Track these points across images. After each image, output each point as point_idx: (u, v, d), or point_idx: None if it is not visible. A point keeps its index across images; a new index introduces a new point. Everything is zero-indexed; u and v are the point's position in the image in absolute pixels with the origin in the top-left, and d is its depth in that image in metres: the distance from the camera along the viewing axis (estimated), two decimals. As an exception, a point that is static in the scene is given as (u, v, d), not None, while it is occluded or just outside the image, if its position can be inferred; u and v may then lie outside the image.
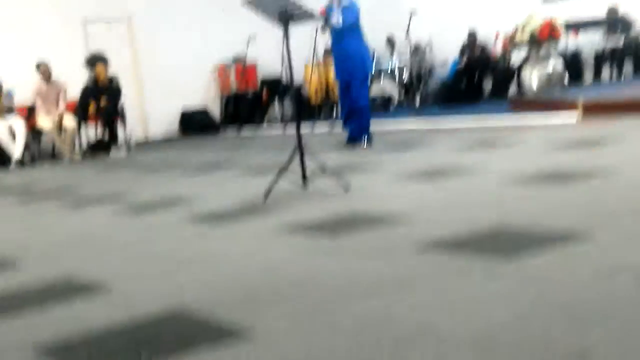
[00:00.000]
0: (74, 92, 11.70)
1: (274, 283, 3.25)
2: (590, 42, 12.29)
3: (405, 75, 13.79)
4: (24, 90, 11.43)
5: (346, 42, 8.12)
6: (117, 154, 11.26)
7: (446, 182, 5.39)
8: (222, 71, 14.13)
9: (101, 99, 11.55)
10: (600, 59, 12.32)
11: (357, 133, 8.32)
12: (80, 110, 11.66)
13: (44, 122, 11.22)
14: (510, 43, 10.78)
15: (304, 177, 5.60)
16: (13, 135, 10.88)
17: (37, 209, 6.54)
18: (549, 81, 10.72)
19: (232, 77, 13.98)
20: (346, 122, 8.59)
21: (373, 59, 13.80)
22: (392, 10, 15.18)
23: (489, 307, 2.57)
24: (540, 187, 4.74)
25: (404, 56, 13.54)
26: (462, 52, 14.10)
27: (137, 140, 12.39)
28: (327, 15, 8.10)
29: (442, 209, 4.46)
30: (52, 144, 11.57)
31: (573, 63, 12.11)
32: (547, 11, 11.25)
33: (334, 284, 3.10)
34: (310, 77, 13.11)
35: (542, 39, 10.49)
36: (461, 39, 14.19)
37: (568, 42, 12.01)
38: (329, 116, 12.79)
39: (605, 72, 12.38)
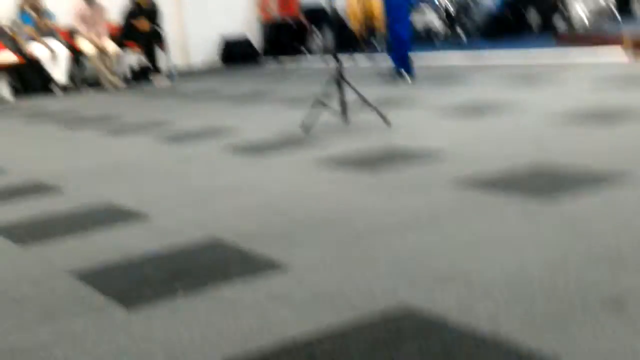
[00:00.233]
0: (114, 14, 11.64)
1: (310, 216, 3.27)
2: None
3: (451, 7, 13.48)
4: (66, 13, 11.38)
5: None
6: (159, 82, 11.28)
7: (487, 119, 5.32)
8: (264, -2, 13.95)
9: (141, 22, 11.48)
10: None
11: (399, 66, 8.19)
12: (123, 35, 11.62)
13: (86, 46, 11.23)
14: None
15: (344, 110, 5.57)
16: (55, 58, 10.90)
17: (79, 135, 6.62)
18: (598, 14, 10.40)
19: (273, 5, 13.79)
20: (390, 54, 8.46)
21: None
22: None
23: (522, 249, 2.56)
24: (584, 127, 4.65)
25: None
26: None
27: (178, 67, 12.37)
28: None
29: (482, 146, 4.41)
30: (94, 70, 11.61)
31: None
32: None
33: (371, 218, 3.11)
34: (354, 5, 12.87)
35: (593, -29, 10.15)
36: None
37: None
38: (371, 48, 12.62)
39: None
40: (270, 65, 12.57)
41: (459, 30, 12.06)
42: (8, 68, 10.95)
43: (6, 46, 10.94)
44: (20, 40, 11.04)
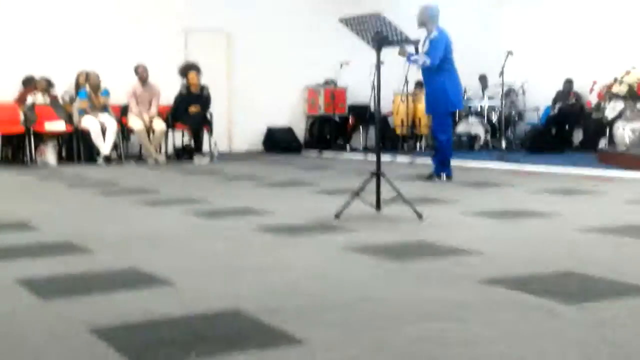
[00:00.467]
0: (168, 97, 12.01)
1: (331, 297, 3.26)
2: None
3: (494, 116, 13.63)
4: (120, 90, 11.78)
5: (432, 75, 8.05)
6: (200, 161, 11.48)
7: (520, 222, 5.30)
8: (312, 93, 14.26)
9: (192, 106, 11.81)
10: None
11: (439, 169, 8.25)
12: (172, 116, 11.95)
13: (135, 122, 11.54)
14: (607, 94, 10.52)
15: (378, 201, 5.61)
16: (104, 132, 11.20)
17: (116, 202, 6.73)
18: (641, 137, 10.41)
19: (321, 100, 14.09)
20: (431, 157, 8.55)
21: (464, 96, 13.74)
22: (489, 49, 15.09)
23: (545, 349, 2.51)
24: (618, 240, 4.61)
25: (495, 96, 13.39)
26: (555, 99, 13.89)
27: (221, 151, 12.60)
28: (408, 56, 7.98)
29: (512, 248, 4.39)
30: (139, 145, 11.88)
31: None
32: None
33: (391, 305, 3.09)
34: (398, 107, 13.08)
35: (639, 94, 10.21)
36: (555, 85, 13.97)
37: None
38: (412, 149, 12.75)
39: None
40: (312, 157, 12.73)
41: (501, 139, 12.14)
42: (56, 135, 11.28)
43: (59, 116, 11.30)
44: (74, 112, 11.41)
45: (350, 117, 14.09)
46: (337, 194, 6.72)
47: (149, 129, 11.55)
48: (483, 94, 14.32)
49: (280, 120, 14.13)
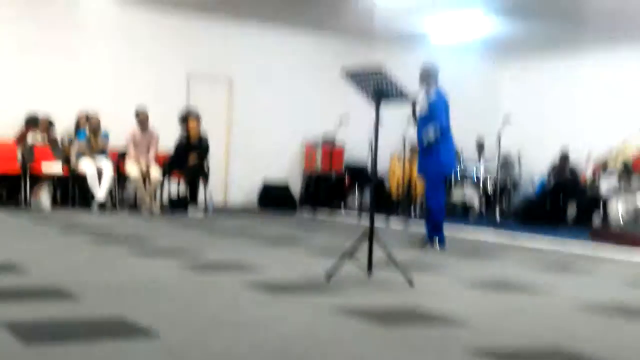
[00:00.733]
0: (167, 144, 12.05)
1: (317, 358, 3.22)
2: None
3: (489, 186, 13.69)
4: (119, 135, 11.82)
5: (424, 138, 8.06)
6: (195, 214, 11.46)
7: (511, 296, 5.29)
8: (310, 149, 14.33)
9: (190, 156, 11.84)
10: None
11: (431, 234, 8.22)
12: (169, 164, 11.97)
13: (132, 169, 11.55)
14: (601, 169, 10.60)
15: (370, 265, 5.58)
16: (100, 176, 11.20)
17: (107, 250, 6.69)
18: (636, 215, 10.45)
19: (319, 157, 14.15)
20: (425, 221, 8.53)
21: (459, 162, 13.82)
22: (487, 112, 15.26)
23: None
24: (609, 319, 4.59)
25: (491, 164, 13.47)
26: (551, 172, 13.97)
27: (216, 203, 12.59)
28: (414, 108, 8.07)
29: (502, 320, 4.37)
30: (134, 193, 11.88)
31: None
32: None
33: (377, 372, 3.05)
34: (395, 169, 13.14)
35: (634, 170, 10.28)
36: (551, 155, 14.08)
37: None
38: (406, 213, 12.76)
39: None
40: (306, 214, 12.72)
41: (496, 209, 12.18)
42: (52, 178, 11.28)
43: (56, 157, 11.31)
44: (71, 155, 11.44)
45: (346, 177, 14.14)
46: (329, 253, 6.70)
47: (145, 177, 11.55)
48: (479, 160, 14.41)
49: (277, 175, 14.17)
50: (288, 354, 3.30)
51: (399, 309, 4.49)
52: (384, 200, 13.41)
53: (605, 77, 14.33)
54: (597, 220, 11.85)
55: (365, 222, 5.96)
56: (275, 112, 14.25)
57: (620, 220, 10.40)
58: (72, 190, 11.37)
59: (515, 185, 14.50)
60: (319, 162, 14.11)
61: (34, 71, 12.24)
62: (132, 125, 11.78)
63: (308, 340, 3.60)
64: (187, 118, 12.02)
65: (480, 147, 14.81)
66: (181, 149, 11.95)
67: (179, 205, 11.87)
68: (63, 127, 11.92)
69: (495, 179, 12.71)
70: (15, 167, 11.03)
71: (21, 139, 11.32)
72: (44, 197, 11.09)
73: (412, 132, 9.98)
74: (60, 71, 12.44)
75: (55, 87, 12.33)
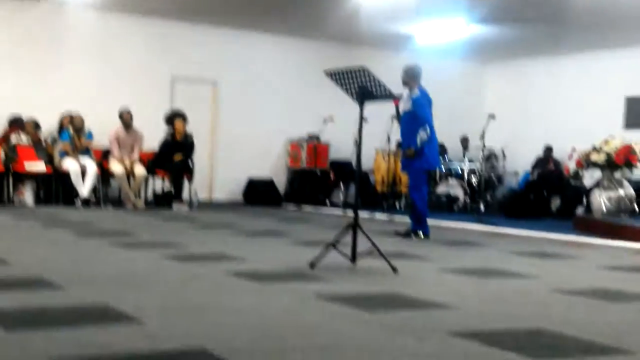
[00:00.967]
0: (151, 143, 12.03)
1: (301, 342, 3.24)
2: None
3: (474, 179, 13.74)
4: (104, 134, 11.81)
5: (409, 134, 8.08)
6: (179, 208, 11.44)
7: (494, 281, 5.32)
8: (295, 147, 14.34)
9: (176, 154, 11.83)
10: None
11: (415, 226, 8.27)
12: (154, 162, 11.94)
13: (116, 167, 11.52)
14: (585, 162, 10.64)
15: (354, 254, 5.60)
16: (84, 174, 11.17)
17: (90, 243, 6.67)
18: (618, 207, 10.51)
19: (304, 154, 14.16)
20: (409, 214, 8.58)
21: (444, 157, 13.87)
22: (471, 112, 15.35)
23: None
24: (587, 301, 4.63)
25: (476, 159, 13.53)
26: (535, 165, 14.05)
27: (201, 199, 12.57)
28: (398, 107, 8.16)
29: (485, 304, 4.40)
30: (119, 190, 11.84)
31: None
32: (627, 137, 11.14)
33: (361, 353, 3.07)
34: (380, 164, 13.16)
35: (617, 163, 10.34)
36: (535, 151, 14.18)
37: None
38: (391, 207, 12.78)
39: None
40: (291, 210, 12.73)
41: (480, 203, 12.23)
42: (35, 176, 11.23)
43: (39, 157, 11.27)
44: (55, 154, 11.40)
45: (331, 172, 14.15)
46: (313, 245, 6.71)
47: (130, 174, 11.53)
48: (464, 156, 14.46)
49: (262, 172, 14.17)
50: (271, 337, 3.31)
51: (383, 294, 4.51)
52: (368, 194, 13.43)
53: (586, 79, 14.48)
54: (580, 212, 11.92)
55: (350, 216, 5.97)
56: (260, 114, 14.27)
57: (603, 212, 10.46)
58: (55, 188, 11.33)
59: (499, 179, 14.56)
60: (304, 159, 14.11)
61: (17, 75, 12.19)
62: (116, 125, 11.76)
63: (291, 324, 3.61)
64: (174, 118, 12.01)
65: (465, 144, 14.87)
66: (167, 148, 11.92)
67: (163, 200, 11.83)
68: (46, 129, 11.87)
69: (479, 172, 12.75)
70: (-2, 166, 10.98)
71: (3, 139, 11.26)
72: (28, 194, 11.05)
73: (395, 131, 10.04)
74: (44, 75, 12.40)
75: (39, 91, 12.28)
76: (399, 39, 13.97)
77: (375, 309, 4.04)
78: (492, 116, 11.00)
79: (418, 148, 7.98)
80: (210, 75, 13.87)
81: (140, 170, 11.61)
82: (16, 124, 11.44)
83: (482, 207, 12.07)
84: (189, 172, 11.99)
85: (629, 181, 11.02)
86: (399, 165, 12.72)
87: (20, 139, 11.34)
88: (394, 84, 6.56)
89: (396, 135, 11.91)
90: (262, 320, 3.66)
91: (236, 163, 13.95)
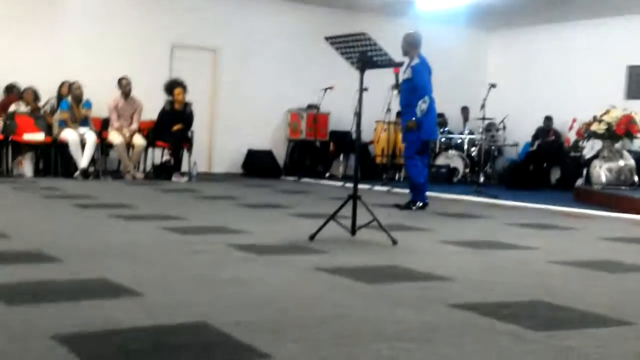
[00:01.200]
0: (150, 113, 11.98)
1: (301, 314, 3.24)
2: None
3: (474, 150, 13.72)
4: (103, 103, 11.73)
5: (409, 104, 8.03)
6: (179, 180, 11.44)
7: (494, 253, 5.32)
8: (295, 117, 14.28)
9: (175, 124, 11.78)
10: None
11: (414, 197, 8.26)
12: (154, 132, 11.90)
13: (115, 137, 11.49)
14: (585, 132, 10.61)
15: (354, 226, 5.60)
16: (83, 145, 11.13)
17: (90, 215, 6.67)
18: (618, 178, 10.51)
19: (303, 124, 14.11)
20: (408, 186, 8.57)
21: (444, 127, 13.83)
22: (473, 81, 15.25)
23: (511, 371, 2.50)
24: (587, 272, 4.64)
25: (476, 130, 13.50)
26: (535, 136, 14.01)
27: (200, 171, 12.56)
28: (398, 75, 8.13)
29: (483, 275, 4.41)
30: (118, 160, 11.81)
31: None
32: (629, 107, 11.09)
33: (361, 324, 3.08)
34: (380, 135, 13.11)
35: (618, 133, 10.31)
36: (535, 122, 14.12)
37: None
38: (391, 178, 12.77)
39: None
40: (290, 181, 12.72)
41: (480, 175, 12.22)
42: (34, 146, 11.20)
43: (39, 128, 11.23)
44: (54, 124, 11.35)
45: (331, 143, 14.11)
46: (313, 217, 6.71)
47: (129, 144, 11.50)
48: (464, 126, 14.43)
49: (262, 143, 14.13)
50: (271, 308, 3.31)
51: (383, 266, 4.52)
52: (368, 166, 13.41)
53: (589, 47, 14.36)
54: (580, 183, 11.91)
55: (349, 188, 5.97)
56: (259, 82, 14.17)
57: (602, 182, 10.46)
58: (54, 159, 11.30)
59: (499, 150, 14.54)
60: (303, 130, 14.06)
61: (14, 43, 12.10)
62: (115, 94, 11.69)
63: (292, 296, 3.62)
64: (173, 87, 11.93)
65: (466, 113, 14.82)
66: (166, 117, 11.87)
67: (162, 171, 11.81)
68: (45, 98, 11.80)
69: (479, 143, 12.72)
70: (-4, 136, 10.95)
71: (3, 107, 11.20)
72: (27, 165, 11.03)
73: (395, 100, 9.99)
74: (42, 42, 12.30)
75: (38, 58, 12.19)
76: (400, 3, 13.84)
77: (374, 281, 4.04)
78: (493, 85, 10.94)
79: (419, 118, 7.94)
80: (210, 43, 13.76)
81: (139, 140, 11.58)
82: (12, 91, 11.37)
83: (481, 178, 12.07)
84: (188, 142, 11.95)
85: (630, 152, 11.01)
86: (399, 136, 12.73)
87: (20, 107, 11.28)
88: (395, 51, 6.51)
89: (396, 106, 11.92)
90: (263, 292, 3.67)
91: (236, 133, 13.90)
